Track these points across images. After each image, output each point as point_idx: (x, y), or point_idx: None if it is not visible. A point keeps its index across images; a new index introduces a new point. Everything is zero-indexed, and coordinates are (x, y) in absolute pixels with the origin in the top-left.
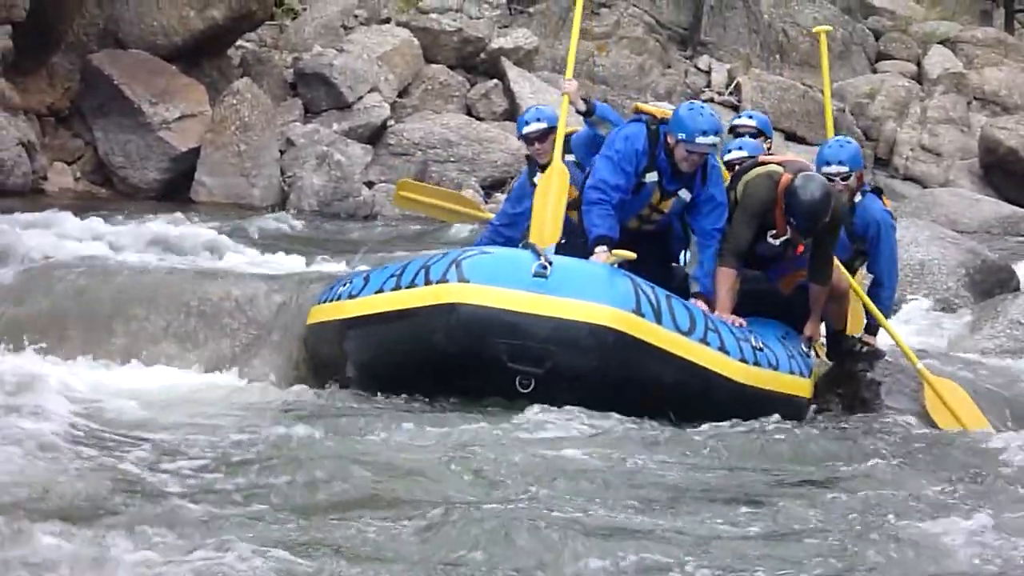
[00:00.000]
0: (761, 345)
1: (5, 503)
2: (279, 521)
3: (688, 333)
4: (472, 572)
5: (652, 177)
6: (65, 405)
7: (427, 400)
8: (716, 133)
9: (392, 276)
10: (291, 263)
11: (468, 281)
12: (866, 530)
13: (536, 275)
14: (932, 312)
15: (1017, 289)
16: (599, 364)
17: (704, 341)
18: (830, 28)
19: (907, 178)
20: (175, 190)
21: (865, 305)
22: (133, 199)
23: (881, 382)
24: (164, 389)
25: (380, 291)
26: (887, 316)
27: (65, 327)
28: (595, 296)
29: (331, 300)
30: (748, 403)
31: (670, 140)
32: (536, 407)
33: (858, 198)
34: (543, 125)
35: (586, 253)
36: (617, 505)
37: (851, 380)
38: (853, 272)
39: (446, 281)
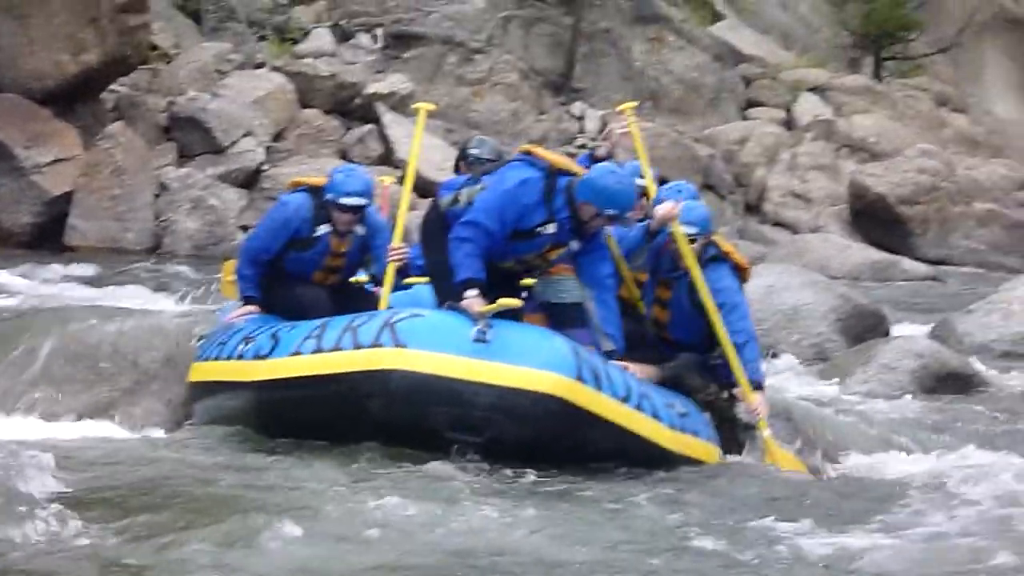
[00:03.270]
0: (685, 411)
1: None
2: None
3: (625, 400)
4: None
5: (550, 229)
6: None
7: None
8: (632, 205)
9: (309, 337)
10: (167, 307)
11: (405, 346)
12: None
13: (477, 340)
14: (804, 356)
15: (887, 334)
16: (541, 432)
17: (639, 408)
18: (635, 103)
19: (777, 224)
20: (49, 234)
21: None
22: (6, 243)
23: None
24: (39, 436)
25: (297, 353)
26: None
27: None
28: (537, 362)
29: (227, 358)
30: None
31: (584, 207)
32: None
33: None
34: (364, 201)
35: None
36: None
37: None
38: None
39: (380, 345)
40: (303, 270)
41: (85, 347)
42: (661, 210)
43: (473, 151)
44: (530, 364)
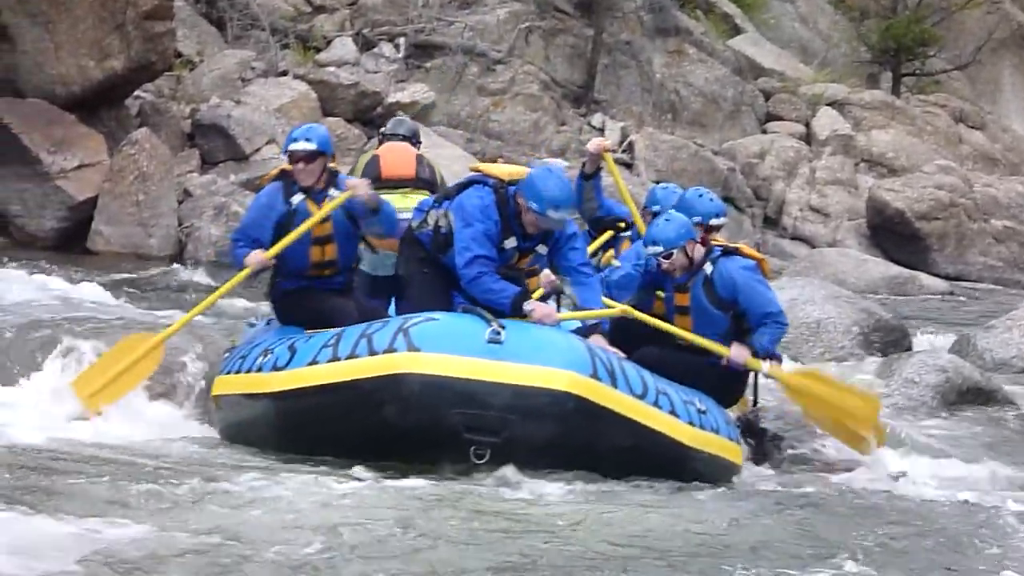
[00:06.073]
0: (704, 408)
1: None
2: None
3: (642, 396)
4: None
5: (511, 243)
6: None
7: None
8: (568, 205)
9: (326, 347)
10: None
11: (419, 350)
12: None
13: (491, 341)
14: (827, 370)
15: (909, 348)
16: (558, 431)
17: (656, 404)
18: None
19: (796, 238)
20: (73, 239)
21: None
22: (30, 248)
23: (782, 436)
24: (72, 436)
25: (314, 363)
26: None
27: None
28: (552, 361)
29: (247, 371)
30: (693, 466)
31: (521, 203)
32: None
33: (708, 268)
34: (312, 146)
35: None
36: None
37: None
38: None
39: (394, 351)
40: (299, 254)
41: None
42: (594, 144)
43: (386, 131)
44: (545, 363)
